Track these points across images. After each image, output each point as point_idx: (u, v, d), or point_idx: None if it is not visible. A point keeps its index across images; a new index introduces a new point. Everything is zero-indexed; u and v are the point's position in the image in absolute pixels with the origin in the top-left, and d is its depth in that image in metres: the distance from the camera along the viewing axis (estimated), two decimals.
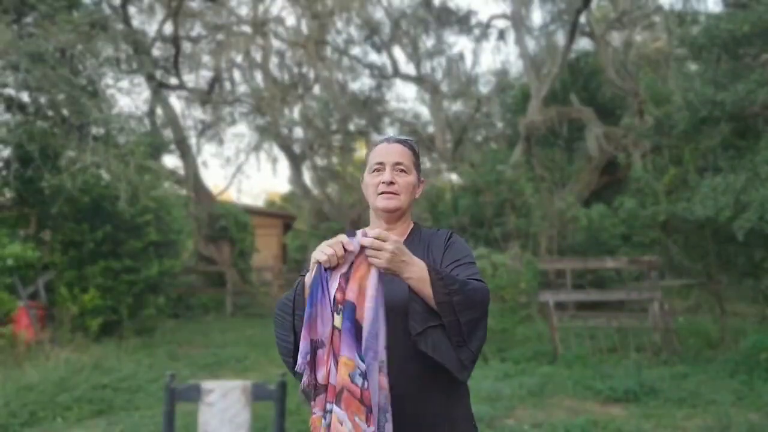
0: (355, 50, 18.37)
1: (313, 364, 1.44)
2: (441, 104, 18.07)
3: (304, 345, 1.44)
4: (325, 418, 1.42)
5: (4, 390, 5.45)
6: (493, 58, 47.20)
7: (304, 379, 1.44)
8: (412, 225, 1.80)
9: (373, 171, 1.73)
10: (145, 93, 14.08)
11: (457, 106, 20.12)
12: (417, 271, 1.47)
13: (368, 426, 1.38)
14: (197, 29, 16.03)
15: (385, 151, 1.73)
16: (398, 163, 1.71)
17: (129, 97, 16.37)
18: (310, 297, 1.44)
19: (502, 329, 7.95)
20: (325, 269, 1.45)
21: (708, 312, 9.04)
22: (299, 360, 1.44)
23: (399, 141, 1.76)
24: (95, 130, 9.08)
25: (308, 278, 1.49)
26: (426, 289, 1.46)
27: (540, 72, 15.14)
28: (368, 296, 1.42)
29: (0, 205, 9.44)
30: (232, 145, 41.02)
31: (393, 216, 1.72)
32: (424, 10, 17.26)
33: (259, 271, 16.39)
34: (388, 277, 1.47)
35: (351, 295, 1.42)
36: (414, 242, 1.73)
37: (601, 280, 11.08)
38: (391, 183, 1.69)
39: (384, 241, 1.43)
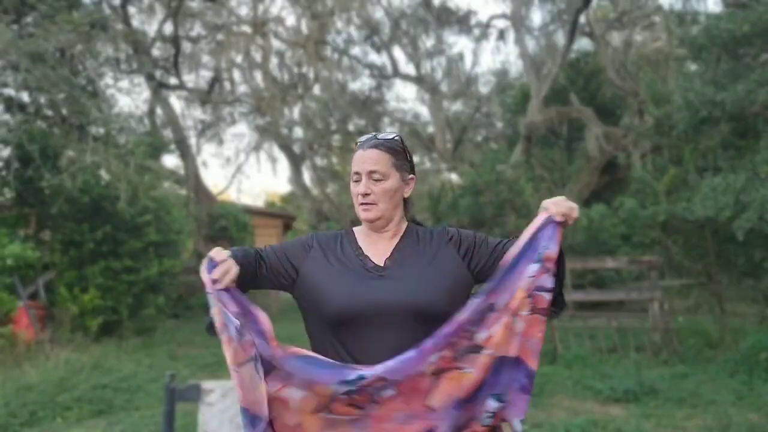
0: (355, 50, 18.40)
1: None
2: (441, 104, 18.08)
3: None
4: None
5: (4, 390, 5.45)
6: (493, 58, 47.42)
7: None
8: (405, 225, 1.76)
9: (353, 180, 1.71)
10: (145, 93, 14.09)
11: (457, 106, 20.14)
12: None
13: None
14: (197, 29, 16.03)
15: (361, 159, 1.69)
16: (372, 172, 1.66)
17: (129, 97, 16.39)
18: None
19: None
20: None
21: (708, 312, 9.03)
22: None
23: (374, 145, 1.69)
24: (95, 130, 9.08)
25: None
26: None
27: (540, 72, 15.14)
28: None
29: (0, 205, 9.44)
30: (232, 145, 41.08)
31: (374, 225, 1.70)
32: (424, 10, 17.26)
33: None
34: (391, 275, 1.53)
35: None
36: (410, 241, 1.70)
37: (601, 280, 11.08)
38: (366, 194, 1.66)
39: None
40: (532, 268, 1.51)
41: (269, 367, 1.45)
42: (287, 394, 1.44)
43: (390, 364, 1.44)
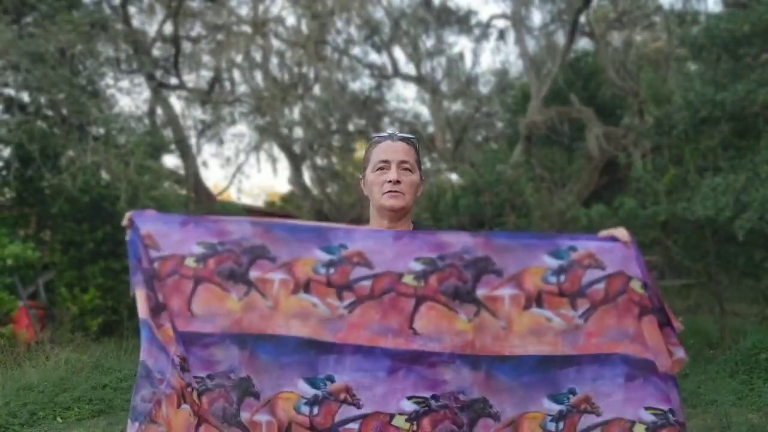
0: (355, 50, 18.35)
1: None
2: (441, 104, 18.06)
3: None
4: None
5: (4, 390, 5.45)
6: (493, 58, 47.15)
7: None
8: (412, 225, 1.77)
9: (378, 169, 1.69)
10: (145, 93, 14.06)
11: (457, 106, 20.08)
12: None
13: None
14: (197, 29, 16.01)
15: (391, 149, 1.70)
16: (403, 162, 1.68)
17: (129, 97, 16.32)
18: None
19: None
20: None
21: (708, 312, 9.03)
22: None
23: (403, 139, 1.73)
24: (95, 130, 9.08)
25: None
26: None
27: (540, 72, 15.13)
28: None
29: (0, 205, 9.44)
30: (232, 145, 40.90)
31: (397, 215, 1.70)
32: (424, 10, 17.25)
33: None
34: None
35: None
36: None
37: None
38: (398, 182, 1.66)
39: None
40: (550, 261, 1.54)
41: (257, 255, 1.51)
42: (270, 276, 1.51)
43: (370, 242, 1.49)
